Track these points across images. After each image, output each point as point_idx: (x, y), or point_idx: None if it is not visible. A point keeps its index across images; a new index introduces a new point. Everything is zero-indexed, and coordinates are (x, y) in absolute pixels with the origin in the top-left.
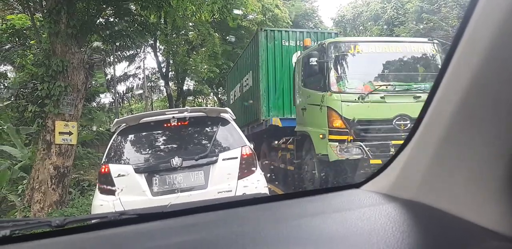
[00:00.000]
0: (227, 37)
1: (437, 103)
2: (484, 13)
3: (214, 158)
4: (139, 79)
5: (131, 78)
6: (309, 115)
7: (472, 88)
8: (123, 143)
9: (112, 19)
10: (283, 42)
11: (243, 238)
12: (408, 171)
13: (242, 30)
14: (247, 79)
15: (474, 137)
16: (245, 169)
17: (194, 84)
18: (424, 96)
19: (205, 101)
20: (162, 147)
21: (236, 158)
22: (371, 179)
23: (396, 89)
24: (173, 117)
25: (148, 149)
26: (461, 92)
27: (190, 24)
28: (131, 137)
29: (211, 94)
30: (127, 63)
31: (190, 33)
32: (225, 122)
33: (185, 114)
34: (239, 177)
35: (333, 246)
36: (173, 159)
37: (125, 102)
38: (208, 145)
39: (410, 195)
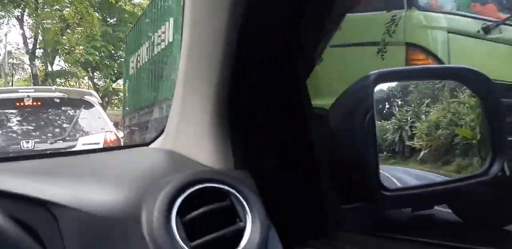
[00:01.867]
0: (109, 18)
1: (181, 62)
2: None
3: (73, 143)
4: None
5: None
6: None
7: None
8: None
9: None
10: None
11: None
12: (172, 125)
13: (126, 14)
14: (163, 32)
15: (197, 90)
16: None
17: (67, 66)
18: None
19: (78, 85)
20: (12, 128)
21: (98, 143)
22: (158, 137)
23: None
24: (28, 95)
25: None
26: None
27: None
28: None
29: (86, 78)
30: None
31: (66, 10)
32: (88, 105)
33: (42, 93)
34: None
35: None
36: (23, 142)
37: None
38: (67, 128)
39: (170, 146)
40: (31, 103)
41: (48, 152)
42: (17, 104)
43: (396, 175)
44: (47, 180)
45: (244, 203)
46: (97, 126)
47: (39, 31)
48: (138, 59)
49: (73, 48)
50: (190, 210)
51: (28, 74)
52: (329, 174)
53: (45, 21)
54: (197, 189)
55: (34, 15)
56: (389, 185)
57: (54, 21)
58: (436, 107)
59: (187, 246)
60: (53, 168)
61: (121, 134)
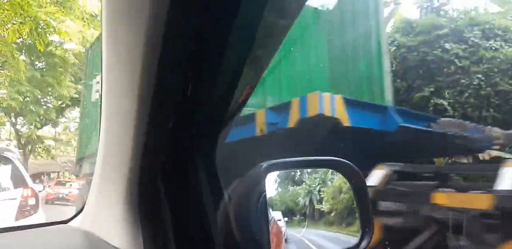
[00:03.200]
0: (37, 62)
1: (99, 146)
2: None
3: None
4: None
5: None
6: None
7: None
8: None
9: None
10: None
11: None
12: (91, 205)
13: (56, 58)
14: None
15: (112, 175)
16: (24, 211)
17: None
18: None
19: None
20: None
21: (15, 199)
22: (79, 214)
23: None
24: None
25: None
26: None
27: None
28: None
29: (7, 124)
30: None
31: None
32: (8, 161)
33: None
34: (16, 219)
35: None
36: None
37: None
38: None
39: (88, 226)
40: None
41: None
42: None
43: (309, 237)
44: None
45: None
46: (15, 181)
47: None
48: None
49: None
50: None
51: None
52: None
53: None
54: None
55: None
56: (302, 247)
57: None
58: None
59: None
60: None
61: (40, 188)
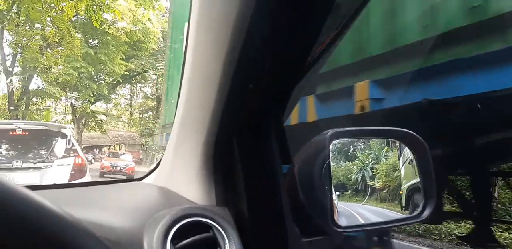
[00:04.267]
0: (91, 40)
1: (178, 107)
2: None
3: (50, 163)
4: None
5: None
6: None
7: (189, 93)
8: None
9: None
10: None
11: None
12: (166, 163)
13: (108, 37)
14: None
15: (190, 135)
16: (75, 174)
17: (44, 85)
18: None
19: (54, 105)
20: (6, 151)
21: (69, 164)
22: (152, 172)
23: None
24: (19, 127)
25: None
26: (185, 96)
27: (49, 19)
28: None
29: (63, 98)
30: None
31: (47, 28)
32: (64, 135)
33: (30, 126)
34: (69, 180)
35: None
36: (14, 161)
37: None
38: (47, 152)
39: (162, 183)
40: (21, 133)
41: (63, 183)
42: (11, 133)
43: (359, 211)
44: (68, 208)
45: (224, 234)
46: (69, 151)
47: (18, 48)
48: None
49: (51, 68)
50: (181, 239)
51: (4, 92)
52: (292, 212)
53: (25, 39)
54: (186, 222)
55: (15, 31)
56: (352, 220)
57: (34, 39)
58: (393, 152)
59: None
60: (69, 198)
61: (90, 157)
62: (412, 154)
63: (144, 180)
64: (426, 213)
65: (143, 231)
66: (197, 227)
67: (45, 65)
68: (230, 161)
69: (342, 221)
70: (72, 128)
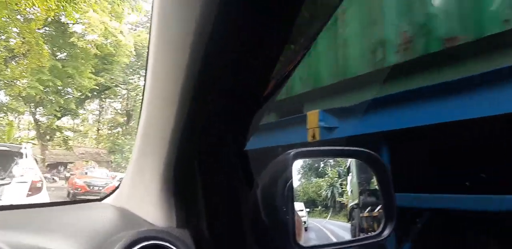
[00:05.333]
0: (59, 53)
1: (139, 128)
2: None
3: (9, 180)
4: None
5: None
6: None
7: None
8: None
9: None
10: None
11: None
12: (126, 184)
13: (78, 49)
14: None
15: (151, 157)
16: (32, 191)
17: (7, 99)
18: None
19: (18, 120)
20: None
21: (26, 182)
22: (113, 193)
23: None
24: None
25: None
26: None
27: (15, 29)
28: None
29: (26, 113)
30: None
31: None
32: (22, 155)
33: None
34: (27, 196)
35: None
36: None
37: None
38: (6, 171)
39: (122, 203)
40: None
41: (18, 204)
42: None
43: (329, 227)
44: (9, 233)
45: None
46: (26, 170)
47: None
48: None
49: (15, 81)
50: None
51: None
52: (254, 234)
53: None
54: (143, 246)
55: None
56: (321, 235)
57: None
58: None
59: None
60: (15, 221)
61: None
62: (372, 173)
63: (104, 201)
64: (386, 233)
65: None
66: None
67: (10, 78)
68: (191, 183)
69: (312, 236)
70: (31, 145)
